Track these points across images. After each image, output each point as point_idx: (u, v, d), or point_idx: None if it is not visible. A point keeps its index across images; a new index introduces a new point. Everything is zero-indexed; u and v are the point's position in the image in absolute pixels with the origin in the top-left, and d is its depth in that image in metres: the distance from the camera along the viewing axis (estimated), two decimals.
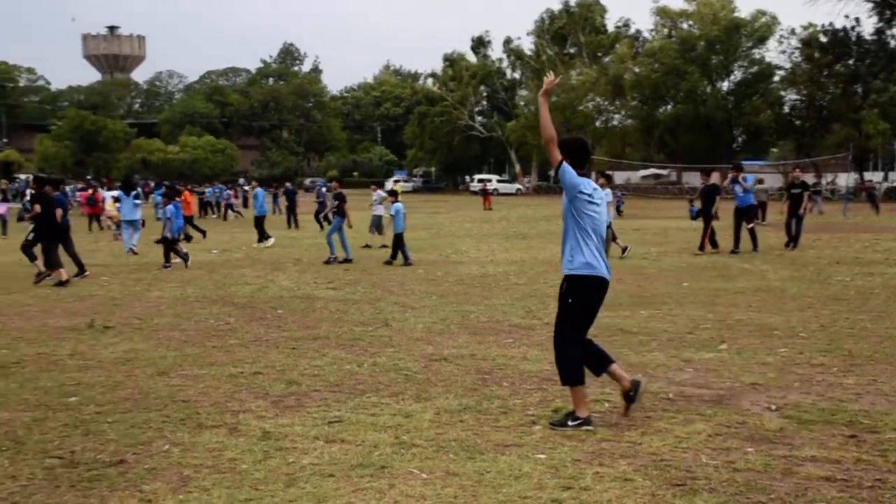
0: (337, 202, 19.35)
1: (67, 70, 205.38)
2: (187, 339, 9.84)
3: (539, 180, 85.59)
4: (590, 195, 6.17)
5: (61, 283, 14.86)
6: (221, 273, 16.67)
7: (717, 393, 7.06)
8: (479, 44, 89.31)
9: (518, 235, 26.81)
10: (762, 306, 11.77)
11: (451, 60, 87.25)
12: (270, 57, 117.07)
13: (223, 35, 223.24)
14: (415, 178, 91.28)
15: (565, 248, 6.24)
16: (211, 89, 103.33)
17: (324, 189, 34.79)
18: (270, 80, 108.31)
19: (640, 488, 4.90)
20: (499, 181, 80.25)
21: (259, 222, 24.10)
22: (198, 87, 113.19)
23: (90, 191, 34.59)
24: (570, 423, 6.08)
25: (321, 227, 28.86)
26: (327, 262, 18.30)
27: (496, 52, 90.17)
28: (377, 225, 23.32)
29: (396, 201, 19.08)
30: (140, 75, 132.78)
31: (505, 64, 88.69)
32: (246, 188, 50.48)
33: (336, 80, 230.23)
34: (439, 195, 78.84)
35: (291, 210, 32.63)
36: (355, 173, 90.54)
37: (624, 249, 19.16)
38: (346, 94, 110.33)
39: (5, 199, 33.80)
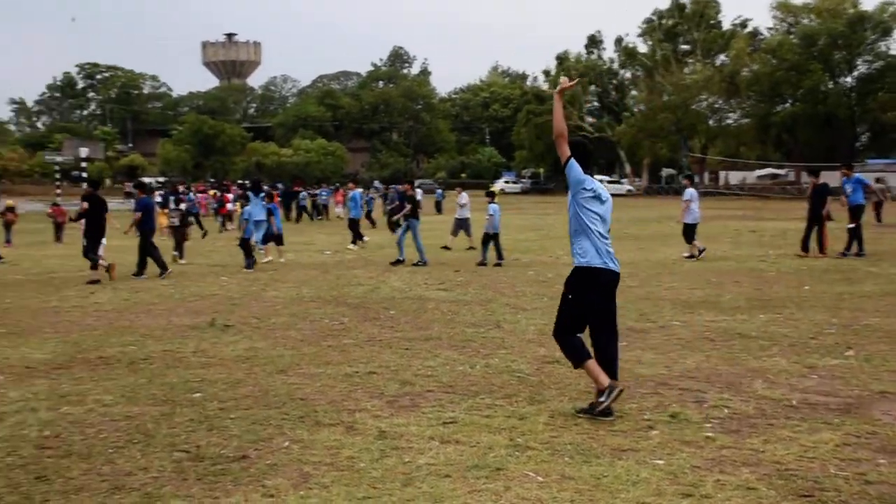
0: (409, 205, 19.35)
1: (188, 77, 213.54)
2: (303, 338, 10.06)
3: (650, 181, 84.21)
4: (593, 191, 6.49)
5: (92, 282, 15.59)
6: (334, 274, 16.97)
7: (845, 401, 6.79)
8: (592, 42, 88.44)
9: (630, 237, 26.40)
10: (891, 311, 11.26)
11: (563, 59, 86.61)
12: (380, 60, 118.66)
13: (335, 40, 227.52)
14: (523, 180, 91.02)
15: (571, 242, 6.61)
16: (323, 93, 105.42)
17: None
18: (380, 83, 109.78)
19: (765, 498, 4.75)
20: (608, 182, 79.31)
21: (353, 224, 24.50)
22: (310, 90, 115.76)
23: (218, 192, 35.81)
24: (601, 399, 6.32)
25: (392, 230, 29.21)
26: (393, 264, 18.42)
27: (608, 51, 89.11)
28: (463, 227, 23.00)
29: (493, 202, 19.08)
30: (255, 80, 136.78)
31: (616, 64, 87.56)
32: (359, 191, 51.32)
33: (445, 83, 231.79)
34: (548, 196, 78.34)
35: (395, 212, 32.98)
36: (463, 174, 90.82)
37: (700, 251, 18.81)
38: (454, 96, 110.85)
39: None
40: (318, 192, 46.08)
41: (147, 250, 16.83)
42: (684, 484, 4.97)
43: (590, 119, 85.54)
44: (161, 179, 74.65)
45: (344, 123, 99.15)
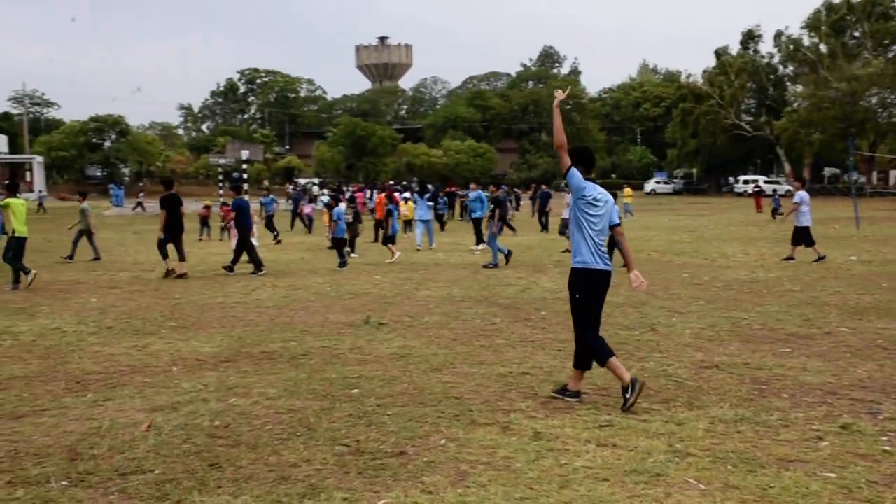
0: (493, 207, 19.27)
1: (342, 80, 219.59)
2: (456, 337, 10.16)
3: (812, 181, 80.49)
4: (593, 198, 6.99)
5: (168, 274, 16.68)
6: (485, 274, 17.07)
7: None
8: (750, 38, 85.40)
9: (787, 239, 25.36)
10: None
11: (721, 55, 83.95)
12: (530, 60, 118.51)
13: (485, 41, 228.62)
14: (675, 180, 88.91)
15: (571, 244, 7.18)
16: (472, 94, 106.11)
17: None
18: (530, 83, 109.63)
19: None
20: (765, 182, 76.34)
21: (476, 224, 24.56)
22: (460, 92, 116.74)
23: (382, 193, 36.68)
24: (628, 395, 6.68)
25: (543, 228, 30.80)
26: (485, 267, 18.31)
27: (766, 45, 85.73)
28: (565, 226, 22.69)
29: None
30: (407, 82, 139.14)
31: (776, 59, 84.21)
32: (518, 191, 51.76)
33: (595, 82, 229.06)
34: (701, 197, 76.33)
35: (542, 212, 32.93)
36: (613, 175, 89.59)
37: (819, 258, 18.32)
38: (604, 96, 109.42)
39: (312, 201, 37.08)
40: (467, 193, 46.48)
41: (247, 248, 17.79)
42: (860, 500, 4.73)
43: (747, 118, 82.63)
44: (315, 180, 77.05)
45: (493, 124, 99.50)
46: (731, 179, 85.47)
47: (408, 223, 31.61)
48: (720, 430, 6.06)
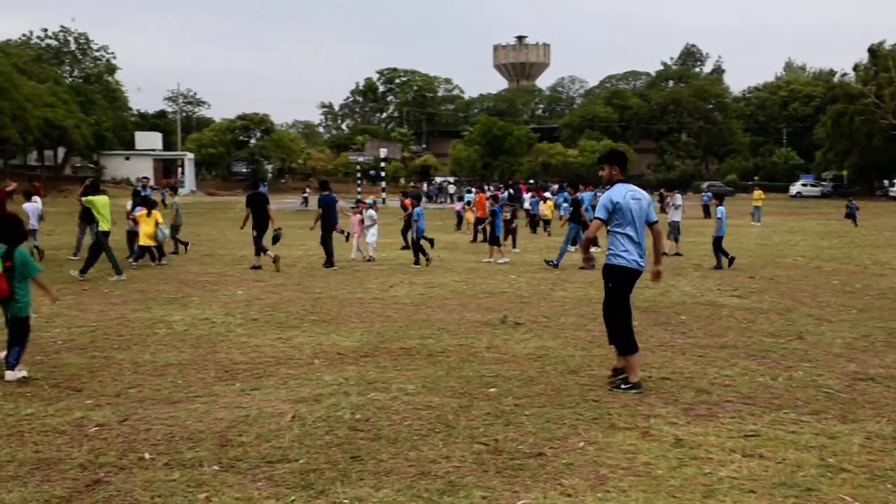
0: (572, 207, 19.24)
1: (479, 79, 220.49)
2: (593, 339, 10.04)
3: None
4: (617, 203, 7.64)
5: (255, 268, 17.64)
6: None
7: None
8: None
9: None
10: None
11: (875, 51, 79.84)
12: (671, 59, 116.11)
13: (624, 39, 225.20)
14: (823, 183, 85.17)
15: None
16: (610, 93, 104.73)
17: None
18: (670, 82, 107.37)
19: None
20: None
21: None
22: (598, 91, 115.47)
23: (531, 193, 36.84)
24: (622, 386, 7.43)
25: None
26: (550, 263, 18.55)
27: None
28: (673, 231, 21.82)
29: (721, 205, 19.26)
30: (544, 81, 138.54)
31: None
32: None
33: (738, 81, 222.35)
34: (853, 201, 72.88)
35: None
36: (756, 177, 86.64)
37: None
38: (749, 95, 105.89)
39: (460, 199, 37.79)
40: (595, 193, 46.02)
41: (327, 244, 18.34)
42: None
43: None
44: (451, 179, 77.74)
45: (631, 124, 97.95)
46: (886, 183, 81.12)
47: (546, 223, 31.61)
48: (878, 447, 5.77)
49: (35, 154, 71.40)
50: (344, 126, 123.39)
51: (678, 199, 22.62)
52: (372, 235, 20.17)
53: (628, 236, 7.64)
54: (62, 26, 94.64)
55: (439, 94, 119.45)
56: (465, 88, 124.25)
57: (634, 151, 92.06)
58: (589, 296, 13.84)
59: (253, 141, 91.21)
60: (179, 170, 78.88)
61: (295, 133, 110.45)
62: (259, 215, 18.11)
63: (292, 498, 4.92)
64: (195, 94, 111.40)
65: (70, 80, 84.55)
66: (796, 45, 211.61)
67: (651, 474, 5.26)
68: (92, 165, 75.68)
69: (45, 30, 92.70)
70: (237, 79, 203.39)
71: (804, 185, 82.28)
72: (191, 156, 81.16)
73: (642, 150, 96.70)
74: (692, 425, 6.32)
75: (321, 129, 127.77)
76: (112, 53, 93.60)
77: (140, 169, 70.50)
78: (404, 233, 23.50)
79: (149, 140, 79.53)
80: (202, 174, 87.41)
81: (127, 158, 75.46)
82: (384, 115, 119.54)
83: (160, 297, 13.46)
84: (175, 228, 21.21)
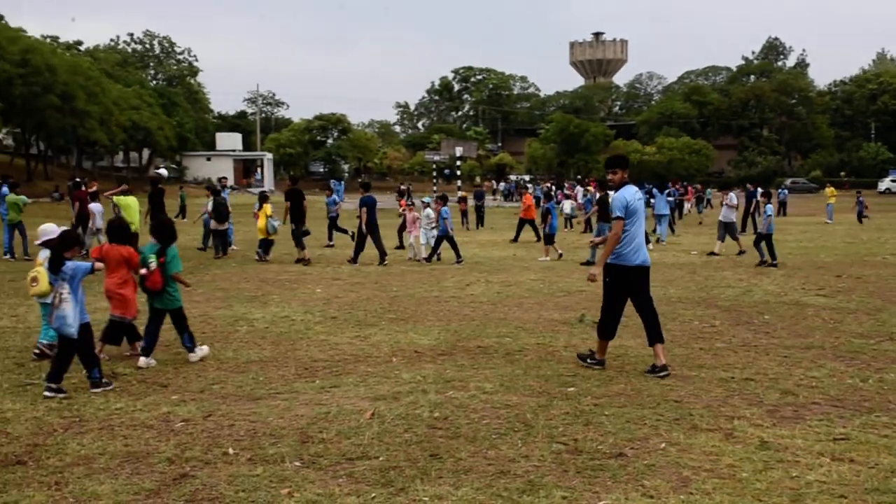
0: (597, 207, 19.10)
1: (555, 77, 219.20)
2: (673, 339, 9.89)
3: None
4: (630, 203, 8.13)
5: (301, 261, 18.58)
6: (702, 275, 16.53)
7: None
8: None
9: None
10: None
11: None
12: (752, 53, 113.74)
13: (704, 34, 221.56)
14: None
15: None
16: (689, 89, 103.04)
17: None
18: (752, 77, 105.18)
19: None
20: None
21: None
22: (676, 87, 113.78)
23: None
24: (588, 360, 8.46)
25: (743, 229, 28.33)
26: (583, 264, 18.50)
27: None
28: (728, 231, 21.02)
29: (770, 202, 19.13)
30: (621, 78, 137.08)
31: None
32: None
33: (824, 75, 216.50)
34: None
35: (748, 214, 31.44)
36: (842, 173, 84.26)
37: None
38: (834, 89, 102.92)
39: (508, 198, 37.66)
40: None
41: (361, 242, 18.90)
42: None
43: None
44: (526, 177, 77.50)
45: (710, 120, 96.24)
46: None
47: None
48: None
49: (121, 155, 73.50)
50: (419, 125, 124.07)
51: (732, 198, 21.96)
52: (424, 236, 19.76)
53: (638, 235, 8.20)
54: (147, 30, 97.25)
55: (515, 92, 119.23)
56: (540, 86, 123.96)
57: (714, 148, 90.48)
58: (668, 294, 13.64)
59: (330, 141, 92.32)
60: (259, 169, 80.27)
61: (371, 133, 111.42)
62: (297, 210, 19.08)
63: (373, 495, 4.95)
64: (274, 95, 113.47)
65: (154, 82, 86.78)
66: (888, 36, 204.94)
67: (735, 477, 5.15)
68: (175, 166, 77.59)
69: (131, 34, 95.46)
70: (315, 79, 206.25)
71: (894, 180, 79.62)
72: (270, 156, 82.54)
73: (722, 146, 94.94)
74: (778, 427, 6.17)
75: (397, 129, 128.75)
76: (194, 56, 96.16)
77: (221, 169, 71.88)
78: (400, 232, 23.37)
79: (229, 141, 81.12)
80: (280, 174, 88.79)
81: (208, 159, 77.12)
82: (459, 113, 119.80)
83: (241, 294, 13.71)
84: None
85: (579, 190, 44.82)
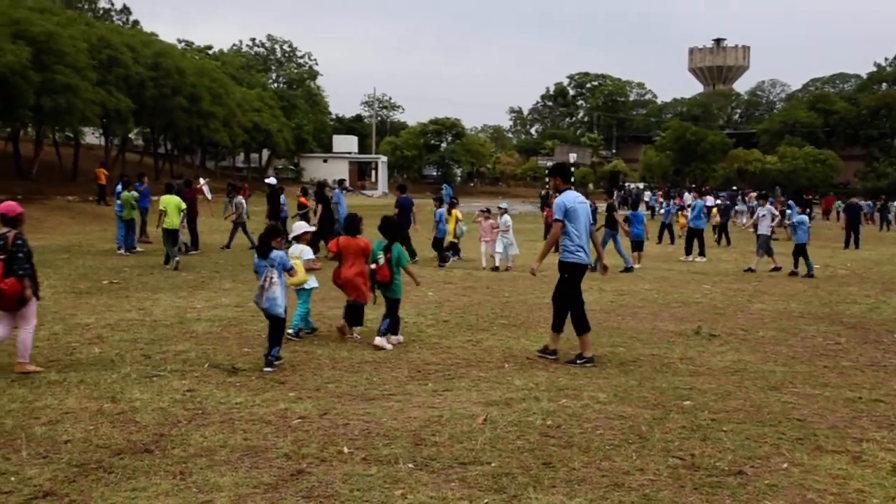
0: (607, 213, 19.75)
1: (673, 83, 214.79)
2: (795, 355, 9.57)
3: None
4: (569, 206, 9.02)
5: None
6: (825, 289, 15.93)
7: None
8: None
9: None
10: None
11: None
12: (885, 60, 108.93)
13: (832, 41, 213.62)
14: None
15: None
16: (815, 97, 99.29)
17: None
18: (884, 84, 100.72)
19: None
20: None
21: (693, 235, 22.83)
22: (800, 95, 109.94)
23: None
24: (578, 361, 8.91)
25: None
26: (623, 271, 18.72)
27: None
28: (764, 246, 19.82)
29: (803, 213, 19.50)
30: (742, 85, 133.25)
31: None
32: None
33: None
34: None
35: (851, 228, 30.14)
36: None
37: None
38: None
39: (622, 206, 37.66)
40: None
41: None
42: None
43: None
44: (641, 185, 76.29)
45: (836, 130, 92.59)
46: None
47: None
48: None
49: (242, 156, 75.73)
50: (533, 131, 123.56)
51: (770, 209, 20.65)
52: (500, 244, 18.92)
53: (578, 236, 8.99)
54: (269, 35, 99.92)
55: (631, 98, 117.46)
56: (657, 92, 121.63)
57: (840, 158, 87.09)
58: (789, 309, 13.20)
59: (444, 145, 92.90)
60: (374, 172, 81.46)
61: (484, 137, 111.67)
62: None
63: (485, 500, 4.94)
64: (390, 98, 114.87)
65: (275, 85, 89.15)
66: None
67: (864, 502, 4.93)
68: (292, 167, 79.47)
69: (254, 39, 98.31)
70: (431, 84, 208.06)
71: None
72: (384, 158, 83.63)
73: (849, 157, 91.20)
74: None
75: (510, 134, 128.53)
76: (314, 60, 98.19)
77: (337, 171, 73.37)
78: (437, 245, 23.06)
79: (345, 143, 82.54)
80: (394, 176, 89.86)
81: (325, 161, 78.64)
82: (574, 119, 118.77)
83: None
84: (239, 225, 22.16)
85: (687, 197, 43.91)
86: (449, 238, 20.28)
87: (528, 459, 5.67)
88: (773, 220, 20.19)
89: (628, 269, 18.94)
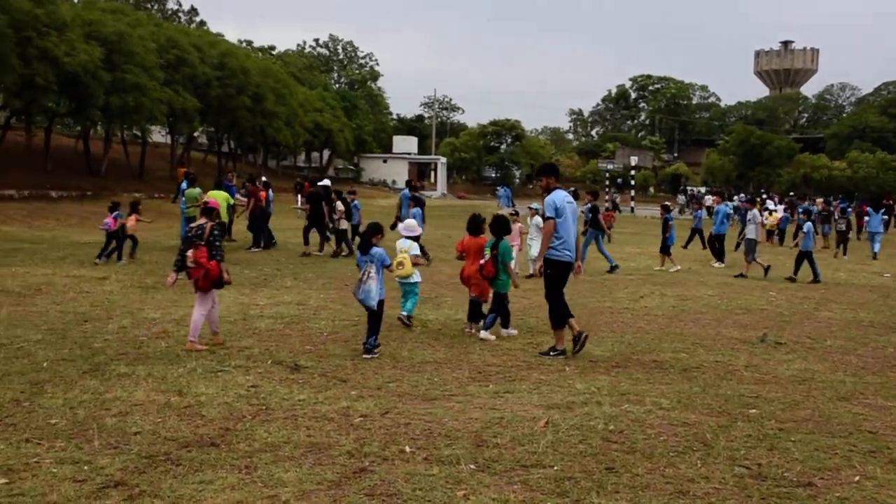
0: (591, 214, 19.83)
1: (737, 86, 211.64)
2: (864, 365, 9.35)
3: None
4: (559, 206, 9.29)
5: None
6: None
7: None
8: None
9: None
10: None
11: None
12: None
13: None
14: None
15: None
16: (887, 101, 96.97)
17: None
18: None
19: None
20: None
21: (714, 240, 22.18)
22: (872, 99, 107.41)
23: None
24: (551, 353, 9.29)
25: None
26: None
27: None
28: (753, 250, 19.29)
29: (809, 220, 19.33)
30: (809, 89, 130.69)
31: None
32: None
33: None
34: None
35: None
36: None
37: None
38: None
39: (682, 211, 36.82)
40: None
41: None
42: None
43: None
44: (702, 189, 75.31)
45: None
46: None
47: (770, 233, 30.26)
48: None
49: (303, 155, 76.56)
50: (593, 133, 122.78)
51: (757, 215, 20.07)
52: (535, 248, 17.05)
53: (565, 234, 9.29)
54: (331, 35, 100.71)
55: (694, 101, 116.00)
56: (721, 96, 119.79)
57: None
58: (858, 318, 12.91)
59: (503, 146, 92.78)
60: (433, 173, 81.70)
61: (544, 139, 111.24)
62: (318, 211, 20.12)
63: None
64: (450, 99, 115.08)
65: (337, 86, 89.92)
66: None
67: None
68: (352, 167, 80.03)
69: (317, 39, 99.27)
70: (489, 85, 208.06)
71: None
72: (443, 160, 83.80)
73: None
74: None
75: (570, 136, 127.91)
76: (375, 60, 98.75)
77: (396, 171, 73.82)
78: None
79: (405, 144, 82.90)
80: (453, 178, 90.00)
81: (384, 161, 79.09)
82: (635, 122, 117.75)
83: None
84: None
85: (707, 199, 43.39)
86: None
87: (590, 464, 5.62)
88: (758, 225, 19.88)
89: (613, 269, 19.03)
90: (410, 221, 11.59)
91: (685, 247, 26.65)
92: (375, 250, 9.20)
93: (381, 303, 9.11)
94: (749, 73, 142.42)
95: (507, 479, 5.32)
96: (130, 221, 17.45)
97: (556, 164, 10.65)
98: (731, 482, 5.34)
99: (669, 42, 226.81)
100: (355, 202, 21.67)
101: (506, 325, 10.63)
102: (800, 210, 41.02)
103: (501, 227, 10.57)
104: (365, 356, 8.89)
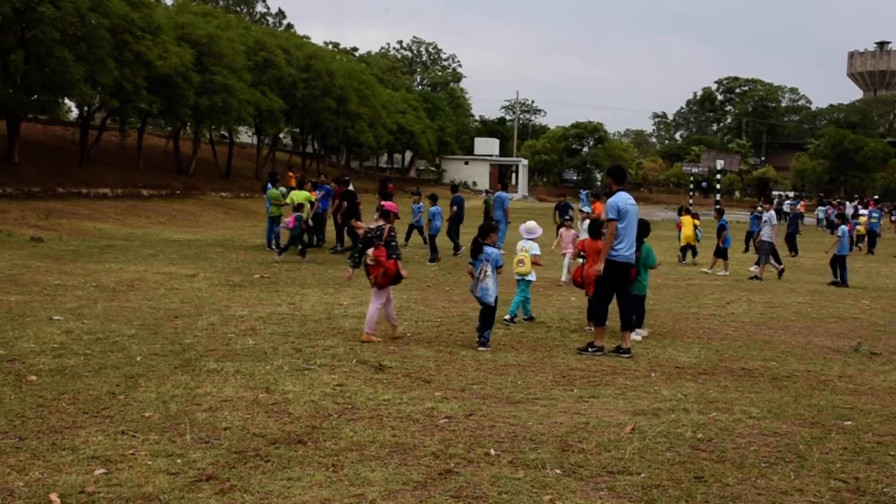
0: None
1: (829, 89, 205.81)
2: None
3: None
4: (621, 207, 9.51)
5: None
6: None
7: None
8: None
9: None
10: None
11: None
12: None
13: None
14: None
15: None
16: None
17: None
18: None
19: None
20: None
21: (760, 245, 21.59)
22: None
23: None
24: (590, 349, 9.55)
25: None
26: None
27: None
28: (767, 252, 19.03)
29: (843, 224, 19.26)
30: None
31: None
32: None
33: None
34: None
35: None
36: None
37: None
38: None
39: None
40: None
41: (455, 235, 21.43)
42: None
43: None
44: (790, 194, 73.46)
45: None
46: None
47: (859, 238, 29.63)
48: None
49: (385, 156, 77.17)
50: (677, 136, 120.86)
51: (773, 216, 19.67)
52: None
53: (626, 236, 9.46)
54: (414, 37, 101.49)
55: (783, 104, 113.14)
56: (812, 98, 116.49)
57: None
58: None
59: (585, 149, 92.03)
60: (514, 175, 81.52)
61: (627, 143, 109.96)
62: (352, 208, 20.37)
63: None
64: (532, 102, 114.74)
65: (419, 87, 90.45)
66: None
67: None
68: (433, 168, 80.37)
69: (400, 41, 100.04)
70: (573, 87, 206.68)
71: None
72: (525, 162, 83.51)
73: None
74: None
75: (653, 139, 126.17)
76: (458, 62, 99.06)
77: (477, 173, 73.86)
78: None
79: (486, 146, 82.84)
80: (534, 180, 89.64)
81: (466, 163, 79.20)
82: (721, 125, 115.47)
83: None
84: (416, 228, 23.08)
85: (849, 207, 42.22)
86: (685, 242, 22.48)
87: (678, 472, 5.52)
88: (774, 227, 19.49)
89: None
90: (531, 224, 12.02)
91: (745, 250, 26.69)
92: (490, 251, 9.74)
93: (496, 299, 9.69)
94: (842, 75, 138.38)
95: (593, 484, 5.25)
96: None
97: (621, 167, 10.89)
98: (826, 496, 5.17)
99: (757, 43, 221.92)
100: (420, 204, 22.62)
101: (640, 324, 10.87)
102: (832, 214, 39.81)
103: (646, 229, 10.78)
104: (480, 349, 9.49)
